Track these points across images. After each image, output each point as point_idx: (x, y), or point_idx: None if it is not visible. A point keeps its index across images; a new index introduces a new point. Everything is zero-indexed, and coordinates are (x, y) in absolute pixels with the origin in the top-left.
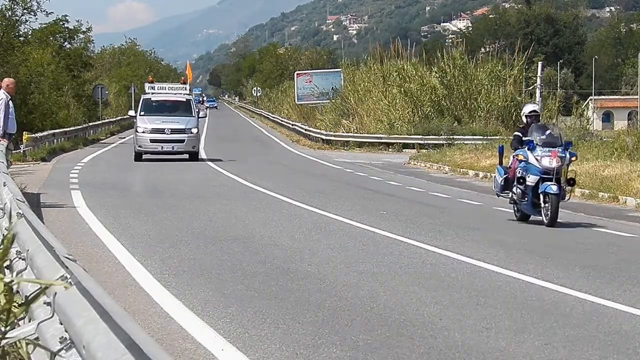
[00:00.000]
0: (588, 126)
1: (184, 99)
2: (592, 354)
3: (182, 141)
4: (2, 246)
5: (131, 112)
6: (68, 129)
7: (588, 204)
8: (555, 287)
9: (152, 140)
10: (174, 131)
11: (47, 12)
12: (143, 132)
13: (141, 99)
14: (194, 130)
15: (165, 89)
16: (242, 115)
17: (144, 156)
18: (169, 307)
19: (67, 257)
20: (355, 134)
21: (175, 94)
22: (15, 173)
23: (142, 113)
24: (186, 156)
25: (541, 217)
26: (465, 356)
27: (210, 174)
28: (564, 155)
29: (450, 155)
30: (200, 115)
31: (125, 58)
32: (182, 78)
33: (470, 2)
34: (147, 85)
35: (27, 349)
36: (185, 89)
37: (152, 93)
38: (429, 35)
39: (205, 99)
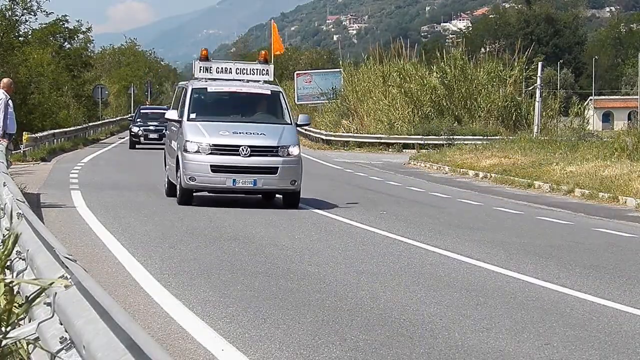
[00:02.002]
0: (587, 126)
1: (268, 91)
2: (592, 354)
3: (272, 170)
4: (4, 247)
5: (171, 114)
6: (68, 129)
7: (588, 204)
8: (555, 287)
9: (216, 168)
10: (256, 151)
11: (47, 12)
12: (197, 151)
13: (188, 91)
14: (294, 150)
15: (230, 71)
16: None
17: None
18: (169, 307)
19: (67, 257)
20: (355, 134)
21: (249, 81)
22: (15, 173)
23: (194, 115)
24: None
25: None
26: (465, 356)
27: None
28: None
29: (450, 155)
30: (301, 122)
31: (125, 58)
32: (263, 52)
33: (470, 2)
34: (196, 64)
35: (27, 349)
36: (268, 73)
37: (208, 79)
38: (429, 35)
39: None
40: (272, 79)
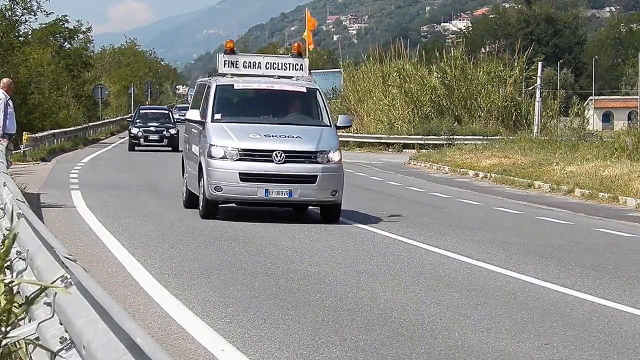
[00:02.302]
0: (587, 126)
1: (304, 88)
2: (592, 354)
3: (310, 179)
4: (3, 246)
5: (192, 114)
6: (68, 129)
7: (588, 204)
8: (555, 287)
9: (246, 177)
10: (292, 156)
11: (47, 12)
12: (224, 157)
13: (211, 89)
14: (335, 156)
15: (259, 66)
16: None
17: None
18: (169, 307)
19: (67, 257)
20: (355, 134)
21: (280, 77)
22: (15, 173)
23: (218, 116)
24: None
25: None
26: (465, 356)
27: None
28: None
29: (450, 155)
30: (341, 124)
31: (125, 58)
32: (296, 45)
33: (470, 2)
34: (221, 58)
35: (27, 349)
36: (302, 68)
37: (233, 75)
38: (429, 35)
39: None
40: (307, 75)
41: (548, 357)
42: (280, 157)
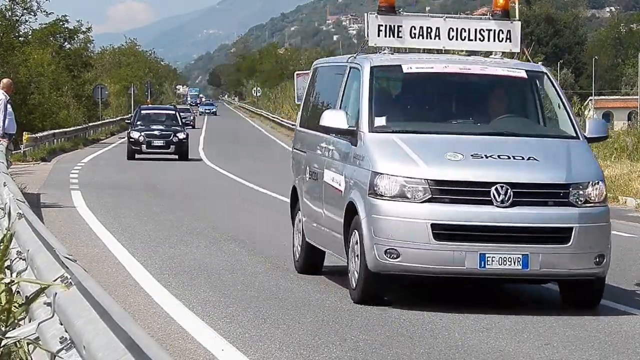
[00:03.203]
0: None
1: (522, 73)
2: (592, 354)
3: (560, 236)
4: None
5: (333, 118)
6: (68, 129)
7: None
8: (555, 286)
9: (445, 233)
10: (524, 194)
11: (47, 12)
12: (401, 195)
13: (363, 75)
14: (596, 192)
15: (437, 34)
16: (242, 115)
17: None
18: (169, 307)
19: (67, 258)
20: None
21: (472, 53)
22: (15, 173)
23: (382, 121)
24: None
25: None
26: (465, 356)
27: (211, 175)
28: None
29: None
30: (594, 133)
31: (125, 58)
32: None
33: (470, 2)
34: (372, 20)
35: (27, 349)
36: (510, 38)
37: (394, 51)
38: None
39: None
40: (518, 50)
41: (548, 357)
42: (506, 195)
